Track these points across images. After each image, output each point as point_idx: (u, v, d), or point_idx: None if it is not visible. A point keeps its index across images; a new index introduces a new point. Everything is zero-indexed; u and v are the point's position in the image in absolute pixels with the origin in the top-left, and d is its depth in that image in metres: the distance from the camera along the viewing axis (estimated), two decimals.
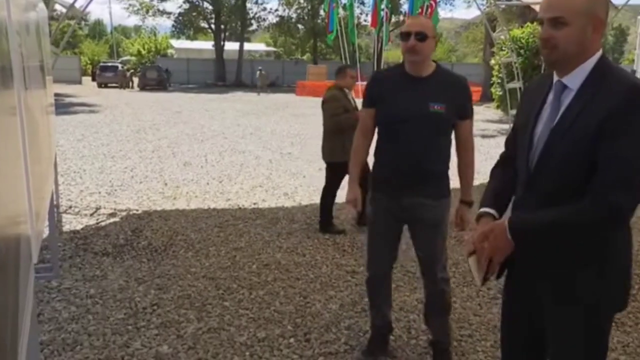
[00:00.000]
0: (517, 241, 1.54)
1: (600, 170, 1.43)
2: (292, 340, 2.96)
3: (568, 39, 1.50)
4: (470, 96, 2.59)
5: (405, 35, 2.38)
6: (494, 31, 13.43)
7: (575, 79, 1.55)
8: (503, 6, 13.96)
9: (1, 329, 1.02)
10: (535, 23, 12.57)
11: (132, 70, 33.14)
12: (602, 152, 1.43)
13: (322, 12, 38.31)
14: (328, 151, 4.89)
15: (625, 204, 1.42)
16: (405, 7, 37.00)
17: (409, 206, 2.49)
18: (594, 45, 1.52)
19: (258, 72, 30.91)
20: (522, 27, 12.75)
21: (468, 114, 2.52)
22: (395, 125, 2.47)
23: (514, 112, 6.67)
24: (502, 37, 11.65)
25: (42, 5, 3.81)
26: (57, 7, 7.66)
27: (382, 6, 17.56)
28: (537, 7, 11.75)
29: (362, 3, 39.10)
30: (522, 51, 11.40)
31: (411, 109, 2.41)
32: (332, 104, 4.80)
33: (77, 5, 6.97)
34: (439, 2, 36.66)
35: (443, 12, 39.96)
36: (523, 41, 11.52)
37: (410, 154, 2.43)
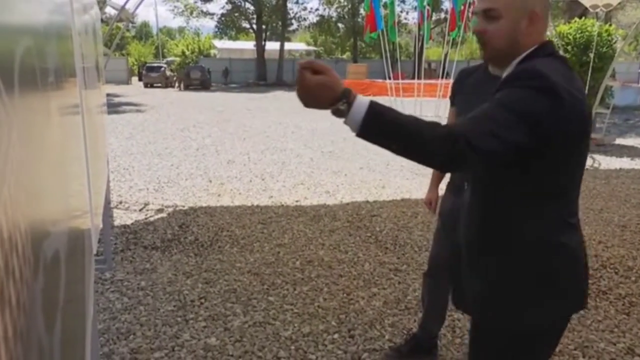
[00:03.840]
0: (368, 121, 1.26)
1: (467, 117, 1.38)
2: (336, 335, 3.00)
3: (499, 33, 1.45)
4: None
5: None
6: None
7: (507, 71, 1.50)
8: (549, 1, 13.57)
9: (73, 313, 1.10)
10: (583, 18, 12.19)
11: (174, 73, 33.81)
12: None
13: (362, 11, 38.25)
14: None
15: (469, 149, 1.27)
16: (446, 5, 36.54)
17: None
18: (530, 38, 1.45)
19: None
20: (569, 22, 12.39)
21: None
22: None
23: None
24: (548, 33, 11.37)
25: (96, 8, 3.97)
26: (107, 9, 7.96)
27: (424, 4, 17.40)
28: (584, 2, 11.42)
29: (403, 1, 38.84)
30: (569, 47, 11.06)
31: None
32: None
33: (126, 7, 7.22)
34: None
35: None
36: (570, 37, 11.17)
37: None
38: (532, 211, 1.46)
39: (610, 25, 12.53)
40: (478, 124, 1.31)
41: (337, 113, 1.29)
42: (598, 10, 11.17)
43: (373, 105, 1.26)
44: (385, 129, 1.28)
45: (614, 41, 11.36)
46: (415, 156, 1.32)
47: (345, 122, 1.28)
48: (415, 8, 22.22)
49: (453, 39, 18.11)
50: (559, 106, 1.33)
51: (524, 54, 1.46)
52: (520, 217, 1.47)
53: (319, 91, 1.28)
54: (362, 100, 1.26)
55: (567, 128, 1.37)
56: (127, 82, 35.55)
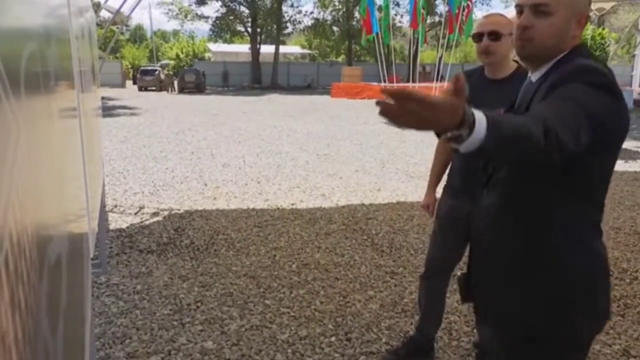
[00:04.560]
0: (489, 138, 1.06)
1: (540, 110, 1.24)
2: (333, 339, 3.00)
3: (549, 30, 1.37)
4: None
5: (477, 36, 2.27)
6: None
7: (538, 74, 1.45)
8: None
9: (73, 318, 1.10)
10: None
11: (166, 75, 33.65)
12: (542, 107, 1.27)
13: (357, 14, 38.37)
14: None
15: (558, 146, 1.14)
16: (440, 8, 36.72)
17: (470, 214, 2.42)
18: (573, 40, 1.40)
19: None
20: None
21: None
22: None
23: None
24: None
25: (92, 12, 3.97)
26: (102, 13, 7.95)
27: (419, 7, 17.48)
28: None
29: (397, 4, 38.98)
30: None
31: None
32: None
33: (121, 10, 7.22)
34: (475, 2, 36.28)
35: (480, 12, 39.42)
36: None
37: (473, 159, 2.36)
38: (569, 215, 1.39)
39: (603, 28, 12.62)
40: (560, 119, 1.18)
41: (452, 138, 1.07)
42: (591, 14, 11.27)
43: (490, 123, 1.06)
44: (502, 144, 1.12)
45: (607, 44, 11.45)
46: (523, 158, 1.23)
47: (457, 144, 1.07)
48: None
49: (449, 42, 18.22)
50: (616, 106, 1.29)
51: (560, 55, 1.41)
52: (556, 221, 1.40)
53: (446, 115, 1.02)
54: (481, 122, 1.05)
55: (619, 130, 1.33)
56: (122, 85, 35.45)
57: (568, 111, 1.20)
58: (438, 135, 1.09)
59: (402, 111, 0.99)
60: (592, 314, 1.44)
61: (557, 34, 1.38)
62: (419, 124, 1.02)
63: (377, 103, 1.00)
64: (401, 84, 21.54)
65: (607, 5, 11.24)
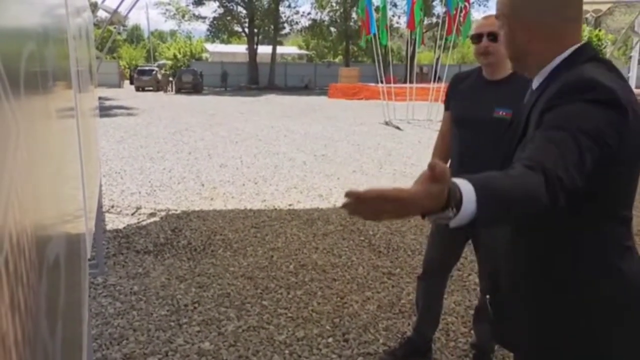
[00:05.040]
0: (481, 211, 1.00)
1: (537, 149, 1.15)
2: (330, 340, 3.00)
3: (504, 40, 1.40)
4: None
5: (476, 37, 2.27)
6: None
7: (537, 81, 1.39)
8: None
9: (71, 318, 1.09)
10: None
11: (164, 75, 33.62)
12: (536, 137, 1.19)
13: (354, 15, 38.41)
14: None
15: (562, 190, 1.08)
16: (438, 9, 36.77)
17: None
18: (541, 45, 1.32)
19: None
20: None
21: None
22: (459, 129, 2.41)
23: None
24: None
25: (89, 12, 3.96)
26: (99, 13, 7.94)
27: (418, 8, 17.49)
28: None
29: (395, 5, 39.03)
30: None
31: (474, 114, 2.31)
32: None
33: (118, 10, 7.21)
34: (473, 3, 36.37)
35: (477, 13, 39.51)
36: None
37: (468, 160, 2.34)
38: (587, 234, 1.29)
39: (600, 30, 12.67)
40: (560, 156, 1.10)
41: (438, 219, 1.03)
42: (588, 15, 11.30)
43: (480, 195, 1.00)
44: (498, 213, 1.07)
45: (603, 46, 11.49)
46: (526, 216, 1.19)
47: (445, 221, 1.03)
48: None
49: (446, 43, 18.25)
50: (623, 119, 1.17)
51: (558, 60, 1.31)
52: (573, 242, 1.29)
53: (425, 204, 0.98)
54: (469, 196, 1.00)
55: (631, 140, 1.20)
56: (119, 85, 35.42)
57: (568, 143, 1.11)
58: (423, 216, 1.03)
59: (374, 212, 0.97)
60: (627, 349, 1.27)
61: (509, 43, 1.38)
62: (397, 217, 0.99)
63: (343, 206, 0.96)
64: (398, 85, 21.56)
65: (604, 7, 11.27)
